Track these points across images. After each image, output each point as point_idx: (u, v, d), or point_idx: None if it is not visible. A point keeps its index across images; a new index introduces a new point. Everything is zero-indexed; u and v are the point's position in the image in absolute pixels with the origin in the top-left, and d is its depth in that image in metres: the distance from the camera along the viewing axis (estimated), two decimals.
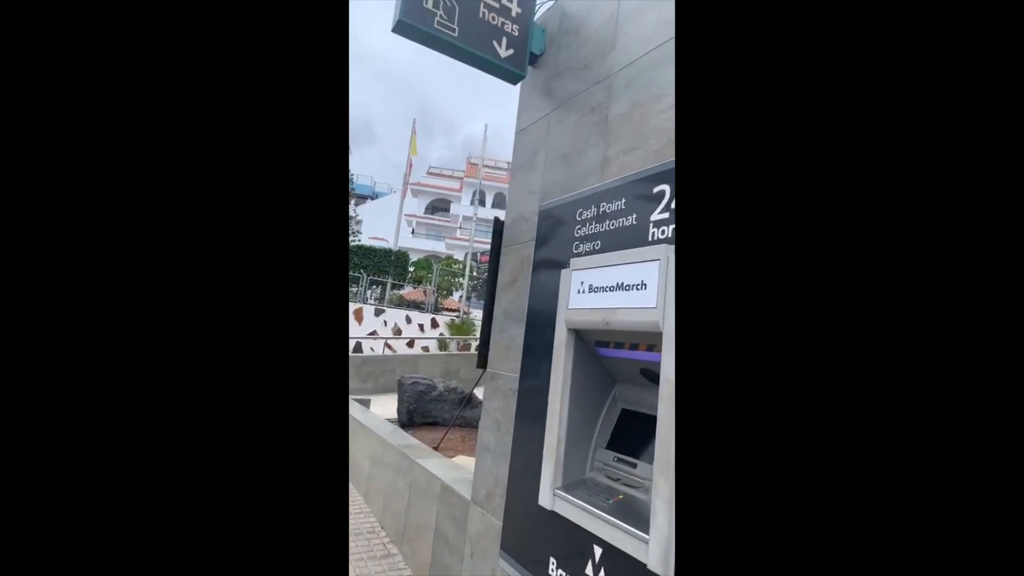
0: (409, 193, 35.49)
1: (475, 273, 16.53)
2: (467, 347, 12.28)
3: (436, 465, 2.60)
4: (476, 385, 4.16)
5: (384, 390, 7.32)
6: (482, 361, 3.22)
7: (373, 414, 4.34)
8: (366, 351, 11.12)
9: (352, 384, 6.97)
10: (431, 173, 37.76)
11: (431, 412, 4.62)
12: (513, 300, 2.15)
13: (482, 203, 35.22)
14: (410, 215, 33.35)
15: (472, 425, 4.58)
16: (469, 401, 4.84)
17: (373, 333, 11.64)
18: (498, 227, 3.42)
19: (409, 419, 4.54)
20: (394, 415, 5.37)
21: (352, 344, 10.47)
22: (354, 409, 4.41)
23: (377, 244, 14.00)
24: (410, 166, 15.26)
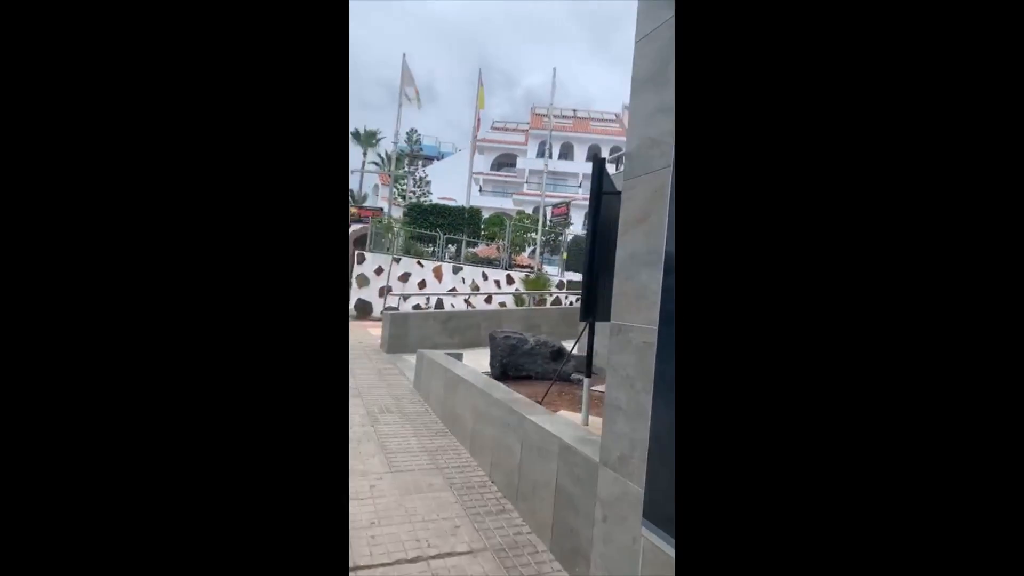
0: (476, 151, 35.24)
1: (548, 227, 16.18)
2: (542, 302, 12.18)
3: (547, 421, 2.46)
4: (579, 338, 3.97)
5: (470, 344, 7.41)
6: (586, 312, 2.98)
7: (468, 367, 4.33)
8: (447, 307, 11.40)
9: (440, 339, 7.12)
10: (495, 128, 37.02)
11: (524, 366, 4.54)
12: (644, 241, 1.84)
13: (549, 155, 34.30)
14: (477, 172, 33.13)
15: (566, 380, 4.44)
16: (561, 355, 4.69)
17: (452, 290, 11.86)
18: (599, 165, 3.06)
19: (502, 372, 4.49)
20: (486, 368, 5.38)
21: (434, 301, 10.74)
22: (448, 362, 4.44)
23: (448, 204, 14.02)
24: (478, 120, 14.90)
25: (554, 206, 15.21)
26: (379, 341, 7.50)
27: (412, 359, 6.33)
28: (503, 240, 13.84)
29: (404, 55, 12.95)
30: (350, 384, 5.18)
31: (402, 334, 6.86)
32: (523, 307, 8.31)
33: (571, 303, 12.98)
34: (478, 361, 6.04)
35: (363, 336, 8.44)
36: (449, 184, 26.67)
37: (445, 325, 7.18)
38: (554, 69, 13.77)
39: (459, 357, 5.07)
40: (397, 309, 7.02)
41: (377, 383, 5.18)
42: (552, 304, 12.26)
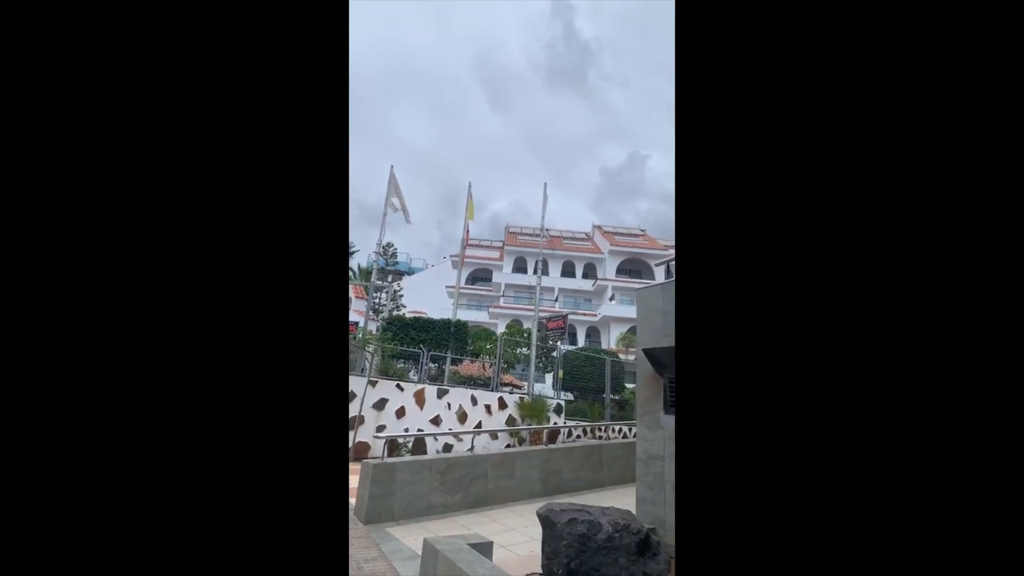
0: (449, 265, 35.20)
1: (545, 342, 14.94)
2: (539, 436, 10.42)
3: None
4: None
5: (476, 503, 5.57)
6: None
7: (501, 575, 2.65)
8: (430, 446, 9.43)
9: (437, 498, 5.27)
10: (470, 245, 37.68)
11: (600, 570, 2.89)
12: None
13: (523, 270, 34.54)
14: (451, 287, 32.67)
15: None
16: (648, 545, 3.09)
17: (436, 419, 10.01)
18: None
19: None
20: (527, 565, 3.62)
21: (412, 440, 8.83)
22: (465, 562, 2.75)
23: (430, 317, 12.74)
24: (467, 231, 14.41)
25: (548, 319, 14.18)
26: (352, 502, 5.55)
27: (405, 539, 4.44)
28: (491, 356, 12.40)
29: (392, 167, 12.64)
30: None
31: (386, 493, 5.02)
32: (540, 446, 6.64)
33: (578, 436, 11.23)
34: (507, 541, 4.24)
35: None
36: (422, 298, 25.73)
37: (444, 478, 5.40)
38: (545, 184, 13.72)
39: (486, 548, 3.34)
40: (381, 458, 5.25)
41: None
42: (548, 434, 10.49)
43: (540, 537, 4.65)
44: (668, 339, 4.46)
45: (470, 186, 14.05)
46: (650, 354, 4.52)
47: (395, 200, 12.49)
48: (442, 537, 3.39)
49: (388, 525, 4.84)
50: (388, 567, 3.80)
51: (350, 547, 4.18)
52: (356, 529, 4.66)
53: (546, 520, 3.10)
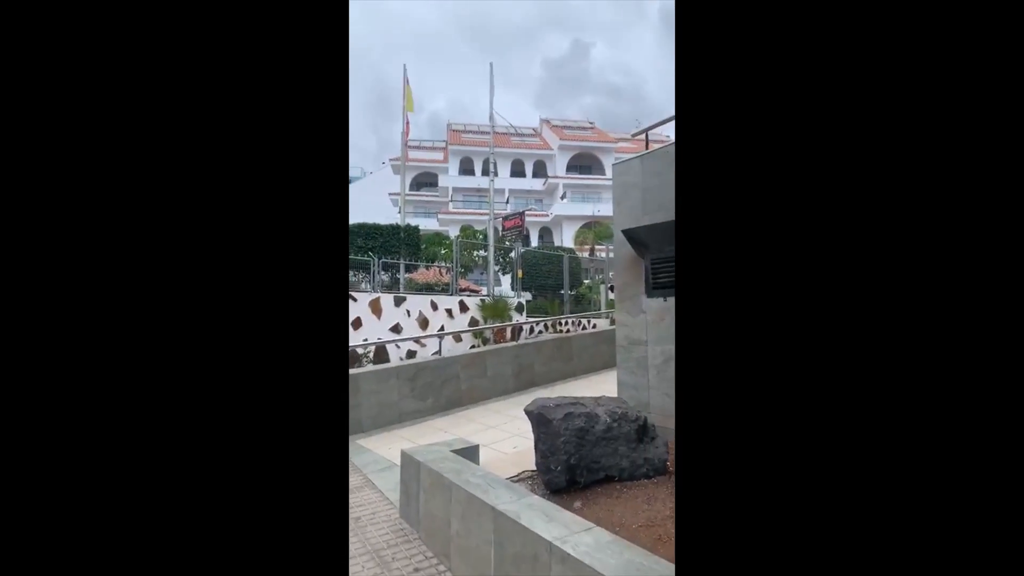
0: (390, 170, 32.77)
1: (502, 242, 14.42)
2: (503, 334, 10.32)
3: None
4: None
5: (450, 405, 5.34)
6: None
7: (501, 482, 2.38)
8: (392, 354, 9.08)
9: (408, 404, 4.97)
10: (411, 146, 34.87)
11: (600, 461, 2.66)
12: None
13: (470, 172, 32.72)
14: (395, 194, 30.78)
15: (651, 475, 2.65)
16: (645, 432, 2.89)
17: (396, 327, 9.59)
18: None
19: (570, 479, 2.58)
20: (517, 463, 3.41)
21: (373, 348, 8.43)
22: (466, 477, 2.45)
23: (379, 223, 11.75)
24: (407, 125, 12.86)
25: (505, 218, 13.51)
26: None
27: (378, 449, 4.14)
28: (447, 262, 11.84)
29: None
30: None
31: (352, 406, 4.63)
32: (513, 342, 6.40)
33: (539, 332, 11.26)
34: (489, 440, 4.03)
35: None
36: (364, 208, 23.99)
37: (413, 383, 5.06)
38: (490, 64, 12.18)
39: (472, 452, 3.05)
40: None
41: None
42: (512, 331, 10.45)
43: (521, 432, 4.52)
44: (648, 217, 4.02)
45: (405, 70, 12.27)
46: (629, 235, 4.09)
47: None
48: (422, 446, 3.05)
49: (358, 437, 4.52)
50: (363, 480, 3.50)
51: None
52: None
53: (540, 417, 2.79)
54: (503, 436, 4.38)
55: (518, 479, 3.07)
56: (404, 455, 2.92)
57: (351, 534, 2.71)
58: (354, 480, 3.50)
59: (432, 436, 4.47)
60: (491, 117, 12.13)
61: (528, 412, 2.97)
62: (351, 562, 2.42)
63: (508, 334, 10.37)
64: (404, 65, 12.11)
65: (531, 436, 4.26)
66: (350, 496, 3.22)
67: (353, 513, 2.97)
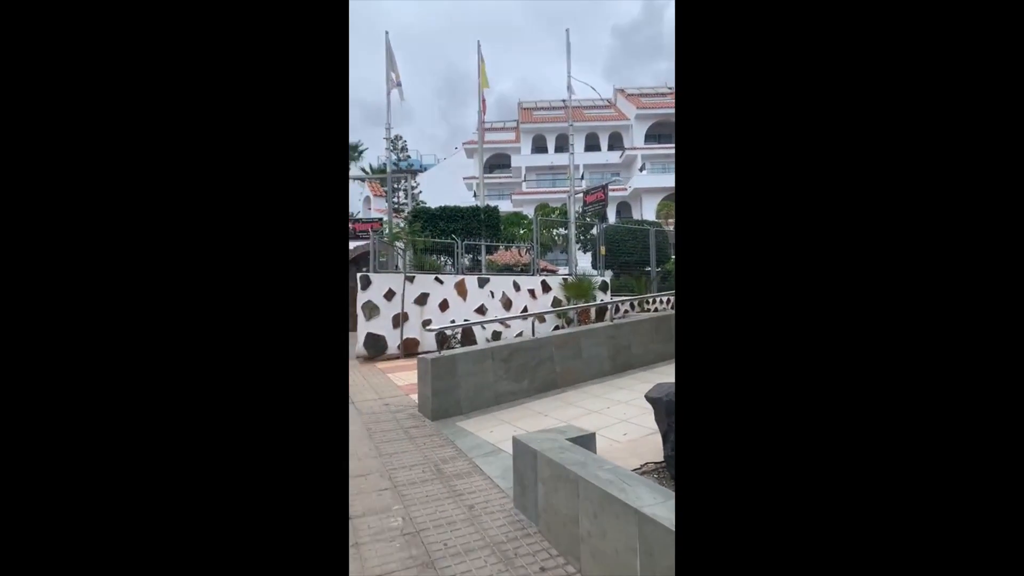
0: (463, 155, 33.06)
1: (583, 218, 13.94)
2: (587, 315, 9.92)
3: None
4: None
5: (545, 387, 5.13)
6: None
7: (628, 476, 2.07)
8: (479, 335, 9.08)
9: (504, 386, 4.82)
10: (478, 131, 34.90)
11: None
12: None
13: (543, 150, 32.09)
14: (469, 177, 31.07)
15: None
16: None
17: (480, 308, 9.59)
18: None
19: None
20: (635, 453, 3.11)
21: (460, 331, 8.45)
22: (576, 463, 2.17)
23: (459, 205, 11.75)
24: (483, 103, 12.67)
25: (586, 193, 12.97)
26: (414, 399, 5.19)
27: (480, 432, 4.01)
28: (527, 242, 11.60)
29: (387, 32, 10.73)
30: (388, 496, 2.86)
31: (450, 388, 4.57)
32: (605, 323, 6.04)
33: (626, 311, 10.73)
34: (595, 425, 3.75)
35: (384, 387, 6.11)
36: (439, 193, 24.39)
37: (508, 365, 4.89)
38: (567, 31, 11.56)
39: (588, 440, 2.78)
40: (439, 351, 4.70)
41: (442, 496, 2.87)
42: (597, 311, 10.01)
43: (627, 418, 4.19)
44: None
45: (479, 47, 11.99)
46: None
47: (393, 75, 10.80)
48: (535, 433, 2.83)
49: (457, 419, 4.45)
50: (470, 466, 3.37)
51: (423, 446, 3.80)
52: (425, 427, 4.29)
53: (671, 406, 2.44)
54: (610, 422, 4.08)
55: (642, 471, 2.76)
56: (517, 443, 2.72)
57: (467, 522, 2.58)
58: (462, 465, 3.39)
59: (533, 420, 4.28)
60: (568, 86, 11.54)
61: (652, 399, 2.63)
62: (471, 556, 2.27)
63: (592, 315, 9.98)
64: (478, 42, 11.84)
65: (640, 423, 3.93)
66: (460, 481, 3.11)
67: (466, 500, 2.84)
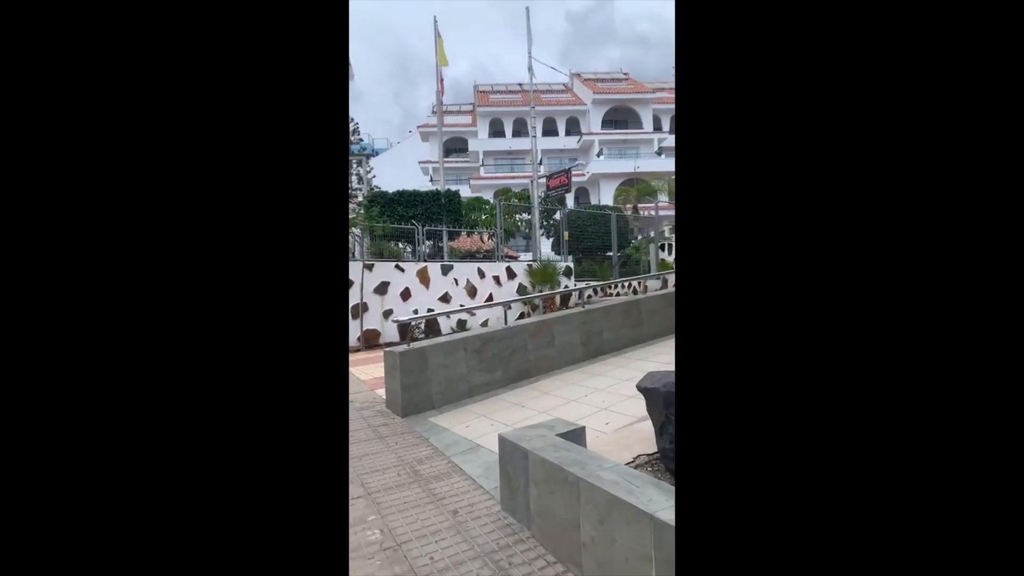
0: (417, 138, 32.03)
1: (546, 203, 13.75)
2: (552, 302, 9.83)
3: None
4: None
5: (519, 377, 4.95)
6: None
7: (634, 476, 1.93)
8: (444, 325, 8.78)
9: (477, 377, 4.61)
10: (436, 112, 33.87)
11: None
12: None
13: (500, 134, 31.57)
14: (424, 161, 30.20)
15: None
16: None
17: (444, 297, 9.27)
18: None
19: None
20: (623, 445, 2.97)
21: (423, 321, 8.12)
22: (574, 463, 2.02)
23: (418, 190, 11.27)
24: (441, 83, 12.12)
25: (549, 177, 12.78)
26: (381, 395, 4.88)
27: (455, 428, 3.78)
28: (490, 227, 11.32)
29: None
30: (362, 505, 2.61)
31: (421, 382, 4.29)
32: (576, 308, 5.91)
33: (589, 296, 10.72)
34: (575, 415, 3.59)
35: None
36: (394, 178, 23.49)
37: (481, 355, 4.67)
38: (526, 9, 11.27)
39: (578, 435, 2.61)
40: (406, 343, 4.42)
41: (422, 502, 2.63)
42: (562, 299, 9.94)
43: (607, 405, 4.08)
44: None
45: (436, 23, 11.40)
46: None
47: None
48: (521, 430, 2.63)
49: (430, 415, 4.20)
50: (449, 465, 3.14)
51: (395, 446, 3.52)
52: (395, 424, 4.00)
53: (668, 397, 2.30)
54: (589, 411, 3.95)
55: (635, 465, 2.63)
56: (504, 441, 2.51)
57: (452, 531, 2.36)
58: (440, 465, 3.15)
59: (510, 412, 4.09)
60: (529, 67, 11.25)
61: (647, 389, 2.49)
62: (461, 569, 2.06)
63: (557, 301, 9.89)
64: (435, 18, 11.27)
65: (620, 411, 3.83)
66: (439, 484, 2.88)
67: (448, 505, 2.61)
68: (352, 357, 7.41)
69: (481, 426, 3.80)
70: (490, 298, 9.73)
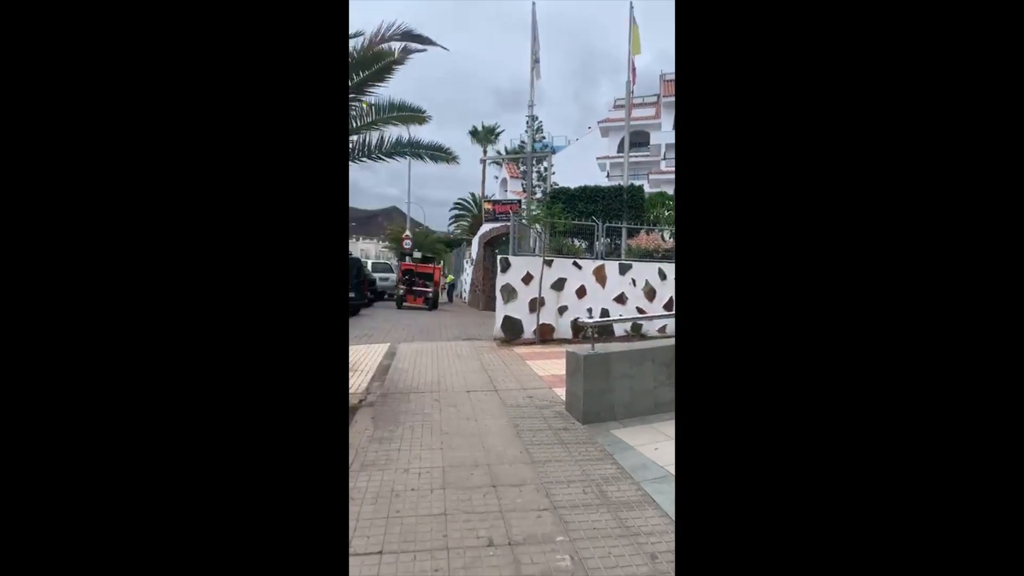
0: (596, 134, 31.75)
1: None
2: None
3: None
4: None
5: None
6: None
7: None
8: (617, 328, 8.40)
9: (664, 395, 4.14)
10: (619, 107, 33.03)
11: None
12: None
13: None
14: (602, 157, 29.82)
15: None
16: None
17: (620, 297, 8.86)
18: None
19: None
20: None
21: (595, 320, 7.80)
22: None
23: (599, 185, 10.99)
24: (633, 71, 11.62)
25: None
26: (558, 394, 4.78)
27: (643, 448, 3.42)
28: (671, 225, 10.42)
29: (534, 3, 10.27)
30: (548, 520, 2.44)
31: (603, 390, 4.03)
32: None
33: None
34: None
35: (525, 376, 5.81)
36: (570, 174, 23.66)
37: (670, 370, 4.18)
38: None
39: None
40: (591, 345, 4.18)
41: (613, 533, 2.36)
42: None
43: None
44: None
45: (632, 9, 10.88)
46: None
47: (536, 48, 10.32)
48: None
49: (612, 427, 3.91)
50: (639, 493, 2.81)
51: (578, 457, 3.34)
52: (577, 431, 3.83)
53: None
54: None
55: None
56: None
57: None
58: (629, 491, 2.84)
59: None
60: None
61: None
62: None
63: None
64: (631, 4, 10.75)
65: None
66: (631, 514, 2.57)
67: (645, 545, 2.29)
68: (528, 350, 7.58)
69: (671, 451, 3.36)
70: (670, 303, 8.97)
